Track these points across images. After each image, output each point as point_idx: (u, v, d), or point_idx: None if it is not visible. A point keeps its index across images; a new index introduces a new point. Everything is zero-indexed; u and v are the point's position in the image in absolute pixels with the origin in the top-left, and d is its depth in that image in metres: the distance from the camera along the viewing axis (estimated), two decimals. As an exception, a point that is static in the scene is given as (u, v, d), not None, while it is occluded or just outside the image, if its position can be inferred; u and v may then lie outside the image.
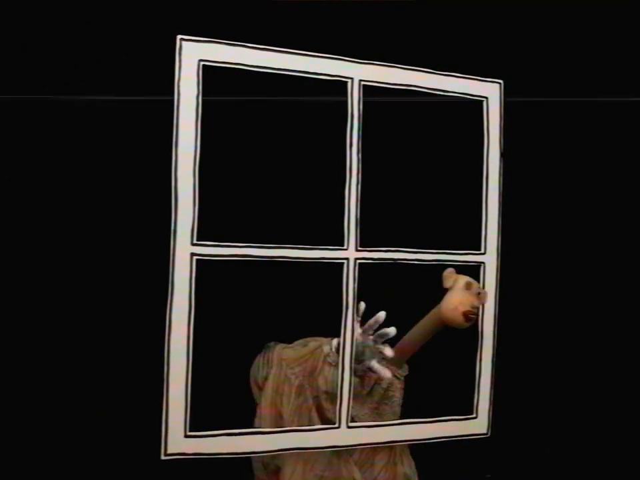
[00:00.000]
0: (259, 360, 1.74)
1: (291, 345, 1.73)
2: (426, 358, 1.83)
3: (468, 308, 1.60)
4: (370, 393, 1.69)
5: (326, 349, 1.64)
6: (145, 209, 1.78)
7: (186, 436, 1.46)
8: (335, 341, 1.63)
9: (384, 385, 1.69)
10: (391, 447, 1.71)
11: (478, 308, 1.64)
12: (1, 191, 1.82)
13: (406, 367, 1.74)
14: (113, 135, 1.85)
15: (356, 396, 1.63)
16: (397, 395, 1.71)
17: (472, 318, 1.62)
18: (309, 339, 1.73)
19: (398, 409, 1.72)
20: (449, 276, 1.66)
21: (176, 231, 1.43)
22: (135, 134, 1.85)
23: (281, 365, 1.68)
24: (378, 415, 1.69)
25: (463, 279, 1.64)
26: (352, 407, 1.61)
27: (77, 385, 1.85)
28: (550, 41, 2.11)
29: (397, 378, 1.71)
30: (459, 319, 1.61)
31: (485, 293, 1.67)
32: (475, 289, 1.63)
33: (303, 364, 1.66)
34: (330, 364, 1.62)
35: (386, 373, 1.60)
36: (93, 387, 1.86)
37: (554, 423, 2.19)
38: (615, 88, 2.15)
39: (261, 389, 1.72)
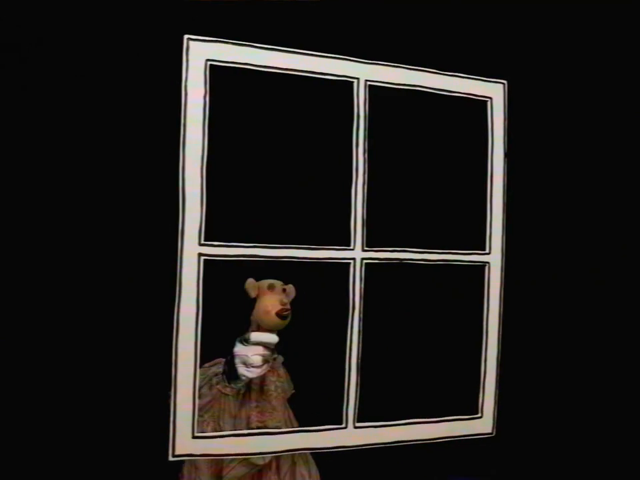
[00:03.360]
0: None
1: None
2: (431, 358, 1.84)
3: (279, 307, 1.62)
4: (249, 395, 1.66)
5: (221, 384, 1.61)
6: (153, 210, 1.77)
7: (194, 437, 1.46)
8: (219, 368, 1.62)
9: (257, 381, 1.65)
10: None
11: (288, 303, 1.64)
12: (3, 192, 1.80)
13: (279, 357, 1.71)
14: (121, 135, 1.84)
15: (241, 403, 1.65)
16: (272, 387, 1.68)
17: (286, 315, 1.63)
18: (200, 371, 1.58)
19: (276, 403, 1.68)
20: (251, 286, 1.65)
21: (183, 232, 1.43)
22: (142, 134, 1.83)
23: None
24: (261, 413, 1.66)
25: (265, 283, 1.66)
26: (238, 417, 1.63)
27: (84, 387, 1.84)
28: (554, 41, 2.12)
29: (269, 371, 1.67)
30: (274, 320, 1.61)
31: (290, 287, 1.69)
32: (278, 287, 1.66)
33: (211, 409, 1.63)
34: (230, 395, 1.62)
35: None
36: (100, 388, 1.85)
37: (559, 422, 2.19)
38: (618, 87, 2.16)
39: None
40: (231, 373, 1.59)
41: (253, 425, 1.63)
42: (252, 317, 1.65)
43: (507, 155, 1.75)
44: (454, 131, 1.86)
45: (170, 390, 1.43)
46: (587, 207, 2.19)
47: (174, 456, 1.45)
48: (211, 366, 1.65)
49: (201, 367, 1.51)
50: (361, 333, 1.60)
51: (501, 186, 1.75)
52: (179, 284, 1.42)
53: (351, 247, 1.59)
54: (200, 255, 1.44)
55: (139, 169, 1.81)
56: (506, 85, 1.75)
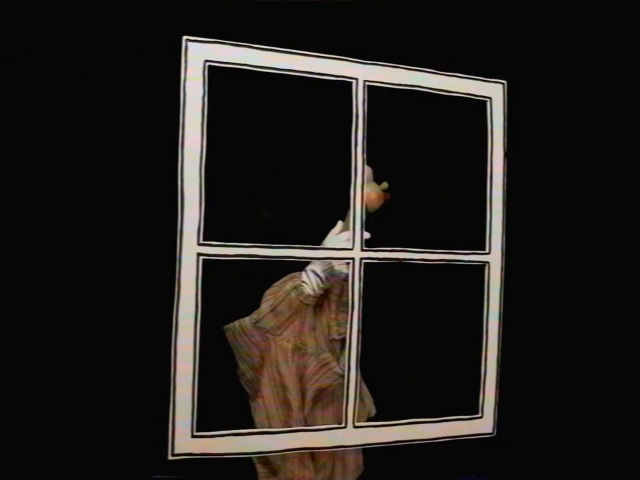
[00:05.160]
0: (240, 346, 1.68)
1: (262, 312, 1.66)
2: (431, 358, 1.84)
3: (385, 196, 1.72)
4: (328, 306, 1.72)
5: (305, 290, 1.65)
6: (151, 210, 1.78)
7: (193, 436, 1.46)
8: (305, 276, 1.66)
9: (336, 292, 1.72)
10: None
11: (388, 188, 1.72)
12: (3, 192, 1.81)
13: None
14: (119, 136, 1.85)
15: (319, 314, 1.71)
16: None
17: (388, 199, 1.72)
18: (272, 291, 1.69)
19: None
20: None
21: (182, 231, 1.43)
22: (140, 135, 1.84)
23: (267, 337, 1.65)
24: (339, 325, 1.72)
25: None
26: (319, 328, 1.68)
27: (82, 386, 1.85)
28: (554, 41, 2.11)
29: (346, 280, 1.70)
30: (380, 204, 1.71)
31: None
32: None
33: (290, 326, 1.65)
34: (311, 305, 1.66)
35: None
36: (99, 388, 1.86)
37: (560, 421, 2.18)
38: (618, 87, 2.16)
39: (259, 371, 1.68)
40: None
41: (334, 336, 1.69)
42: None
43: (507, 154, 1.75)
44: (453, 131, 1.86)
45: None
46: (587, 206, 2.18)
47: (173, 455, 1.45)
48: (283, 283, 1.67)
49: (270, 287, 1.64)
50: (361, 333, 1.60)
51: (501, 186, 1.75)
52: (178, 284, 1.43)
53: (350, 247, 1.59)
54: (199, 254, 1.44)
55: (138, 169, 1.82)
56: (505, 85, 1.75)
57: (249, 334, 1.65)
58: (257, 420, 1.69)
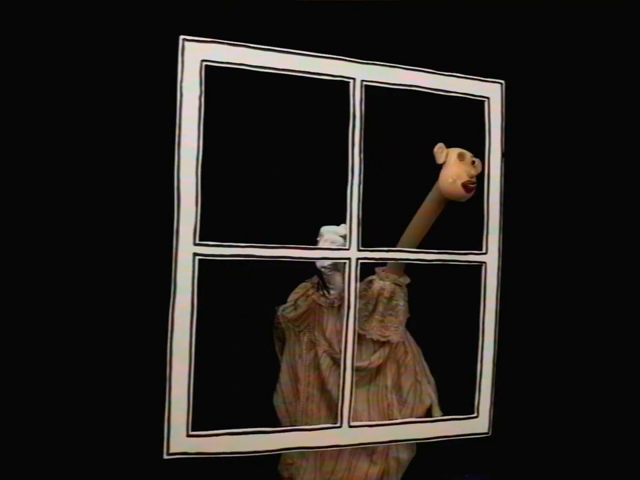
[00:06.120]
0: (274, 329, 1.79)
1: (288, 302, 1.75)
2: (427, 357, 1.84)
3: (466, 179, 1.61)
4: (375, 307, 1.71)
5: (316, 294, 1.70)
6: (148, 210, 1.78)
7: (188, 435, 1.46)
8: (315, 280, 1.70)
9: (386, 294, 1.71)
10: (414, 368, 1.77)
11: (475, 177, 1.64)
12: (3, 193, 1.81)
13: (406, 276, 1.75)
14: (115, 136, 1.85)
15: (363, 313, 1.70)
16: (401, 303, 1.73)
17: (471, 188, 1.62)
18: (302, 285, 1.75)
19: (403, 318, 1.75)
20: (440, 151, 1.65)
21: (178, 231, 1.43)
22: (137, 134, 1.84)
23: (288, 326, 1.73)
24: (384, 328, 1.71)
25: (455, 151, 1.65)
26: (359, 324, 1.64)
27: (77, 385, 1.85)
28: (552, 41, 2.11)
29: (399, 285, 1.73)
30: (460, 191, 1.62)
31: (479, 162, 1.67)
32: (468, 158, 1.64)
33: (307, 319, 1.71)
34: (324, 306, 1.70)
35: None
36: (95, 388, 1.86)
37: (555, 422, 2.19)
38: (616, 87, 2.15)
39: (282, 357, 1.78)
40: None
41: (375, 338, 1.69)
42: (434, 190, 1.65)
43: (505, 154, 1.75)
44: (451, 131, 1.86)
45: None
46: (585, 206, 2.18)
47: (168, 454, 1.45)
48: (312, 279, 1.72)
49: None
50: (357, 333, 1.60)
51: (498, 186, 1.75)
52: (174, 284, 1.43)
53: (347, 247, 1.59)
54: (195, 254, 1.44)
55: (134, 169, 1.82)
56: (503, 85, 1.75)
57: (277, 320, 1.75)
58: (275, 404, 1.76)
